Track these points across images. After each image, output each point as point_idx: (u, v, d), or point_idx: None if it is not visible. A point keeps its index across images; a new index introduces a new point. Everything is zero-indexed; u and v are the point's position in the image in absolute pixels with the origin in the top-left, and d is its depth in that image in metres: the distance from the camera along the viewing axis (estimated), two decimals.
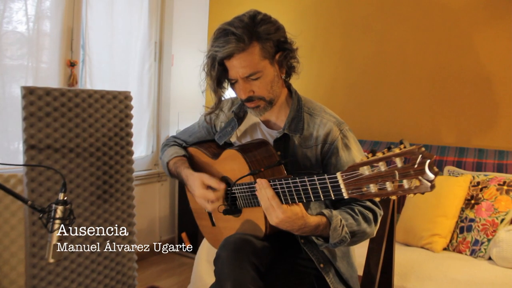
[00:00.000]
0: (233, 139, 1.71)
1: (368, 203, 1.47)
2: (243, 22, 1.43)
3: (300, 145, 1.53)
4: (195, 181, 1.59)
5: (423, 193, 0.97)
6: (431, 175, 0.94)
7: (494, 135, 2.87)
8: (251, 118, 1.67)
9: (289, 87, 1.63)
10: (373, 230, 1.47)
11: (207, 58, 1.50)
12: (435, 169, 0.94)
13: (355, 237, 1.40)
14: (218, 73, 1.49)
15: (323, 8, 3.58)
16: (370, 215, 1.45)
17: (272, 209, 1.29)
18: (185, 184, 1.68)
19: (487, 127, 2.91)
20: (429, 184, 0.94)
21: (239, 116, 1.68)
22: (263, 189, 1.30)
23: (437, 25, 3.07)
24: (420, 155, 0.95)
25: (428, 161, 0.94)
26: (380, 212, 1.49)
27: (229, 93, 1.70)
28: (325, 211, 1.37)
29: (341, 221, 1.36)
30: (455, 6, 3.00)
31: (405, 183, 0.98)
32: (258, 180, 1.33)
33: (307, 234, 1.37)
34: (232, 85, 1.54)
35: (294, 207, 1.29)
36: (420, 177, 0.95)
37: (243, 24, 1.42)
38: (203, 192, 1.55)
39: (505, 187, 2.43)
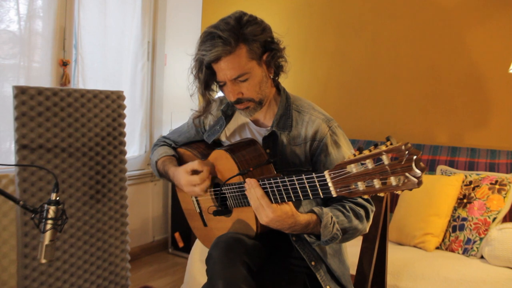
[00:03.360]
0: (222, 138, 1.71)
1: (359, 200, 1.47)
2: (229, 24, 1.42)
3: (289, 142, 1.53)
4: (180, 172, 1.59)
5: (410, 190, 0.97)
6: (418, 171, 0.94)
7: (486, 134, 2.89)
8: (240, 116, 1.67)
9: (277, 85, 1.63)
10: (365, 226, 1.47)
11: (195, 62, 1.50)
12: (422, 165, 0.95)
13: (347, 234, 1.41)
14: (206, 76, 1.49)
15: (316, 7, 3.59)
16: (361, 212, 1.45)
17: (262, 209, 1.29)
18: (173, 181, 1.68)
19: (479, 126, 2.93)
20: (416, 180, 0.95)
21: (227, 114, 1.68)
22: (252, 189, 1.30)
23: (430, 25, 3.08)
24: (407, 152, 0.95)
25: (415, 157, 0.94)
26: (372, 208, 1.49)
27: (218, 95, 1.70)
28: (315, 209, 1.37)
29: (331, 218, 1.36)
30: (447, 6, 3.02)
31: (393, 180, 0.98)
32: (247, 179, 1.33)
33: (298, 232, 1.37)
34: (221, 88, 1.54)
35: (284, 206, 1.29)
36: (407, 174, 0.95)
37: (229, 27, 1.42)
38: (187, 178, 1.54)
39: (497, 186, 2.45)
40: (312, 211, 1.37)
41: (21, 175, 2.07)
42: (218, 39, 1.40)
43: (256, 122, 1.64)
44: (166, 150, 1.82)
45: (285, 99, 1.59)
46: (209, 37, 1.43)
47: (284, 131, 1.53)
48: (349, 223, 1.41)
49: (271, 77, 1.57)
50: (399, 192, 0.99)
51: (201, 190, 1.53)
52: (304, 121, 1.54)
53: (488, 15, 2.88)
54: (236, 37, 1.41)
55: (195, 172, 1.54)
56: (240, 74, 1.44)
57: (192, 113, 1.80)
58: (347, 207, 1.44)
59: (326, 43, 3.55)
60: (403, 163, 0.95)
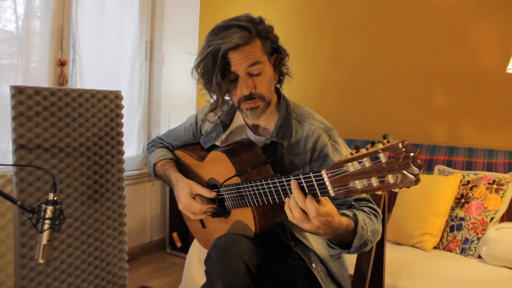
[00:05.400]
0: (218, 143, 1.70)
1: (371, 204, 1.45)
2: (247, 17, 1.44)
3: (288, 152, 1.52)
4: (184, 188, 1.58)
5: (408, 187, 0.96)
6: (415, 169, 0.93)
7: (484, 134, 2.89)
8: (237, 124, 1.67)
9: (278, 93, 1.62)
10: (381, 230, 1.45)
11: (207, 55, 1.44)
12: (419, 162, 0.94)
13: (373, 237, 1.37)
14: (222, 66, 1.43)
15: (314, 7, 3.59)
16: (377, 214, 1.43)
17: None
18: (173, 187, 1.68)
19: (477, 126, 2.93)
20: (413, 177, 0.94)
21: (225, 123, 1.67)
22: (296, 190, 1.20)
23: (428, 25, 3.09)
24: (404, 149, 0.94)
25: (412, 154, 0.93)
26: (380, 212, 1.48)
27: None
28: (346, 211, 1.33)
29: (364, 220, 1.33)
30: (446, 5, 3.02)
31: (390, 178, 0.97)
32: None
33: (335, 237, 1.29)
34: (231, 84, 1.49)
35: (325, 206, 1.19)
36: (404, 171, 0.94)
37: (247, 19, 1.43)
38: (189, 201, 1.56)
39: (494, 186, 2.45)
40: (344, 214, 1.30)
41: (19, 175, 2.06)
42: (236, 28, 1.40)
43: (255, 130, 1.62)
44: (164, 152, 1.82)
45: (285, 107, 1.57)
46: (225, 28, 1.42)
47: (284, 141, 1.52)
48: (373, 225, 1.37)
49: (275, 81, 1.56)
50: (397, 190, 0.98)
51: (195, 218, 1.59)
52: (304, 131, 1.52)
53: (486, 15, 2.88)
54: (254, 28, 1.42)
55: (199, 196, 1.57)
56: (256, 61, 1.43)
57: (195, 113, 1.80)
58: (367, 210, 1.41)
59: (324, 42, 3.55)
60: (400, 160, 0.95)
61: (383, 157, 0.98)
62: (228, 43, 1.39)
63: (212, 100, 1.60)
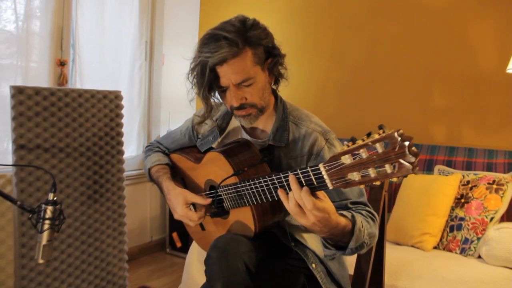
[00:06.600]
0: (214, 146, 1.69)
1: (368, 208, 1.45)
2: (235, 26, 1.38)
3: (285, 155, 1.51)
4: (178, 198, 1.57)
5: (405, 176, 0.95)
6: (411, 157, 0.93)
7: (484, 134, 2.89)
8: (234, 128, 1.66)
9: (275, 94, 1.60)
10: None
11: (196, 65, 1.43)
12: (414, 149, 0.93)
13: (369, 240, 1.36)
14: (209, 80, 1.42)
15: (314, 7, 3.59)
16: (374, 218, 1.42)
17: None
18: (165, 196, 1.67)
19: (477, 126, 2.93)
20: (410, 166, 0.93)
21: (222, 127, 1.66)
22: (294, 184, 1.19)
23: (428, 25, 3.09)
24: (399, 138, 0.94)
25: (407, 143, 0.93)
26: (377, 216, 1.48)
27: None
28: (344, 212, 1.32)
29: (361, 222, 1.32)
30: (446, 5, 3.02)
31: (387, 168, 0.97)
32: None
33: (332, 237, 1.28)
34: (222, 93, 1.48)
35: (323, 202, 1.17)
36: (401, 160, 0.94)
37: (235, 29, 1.37)
38: (186, 212, 1.55)
39: (494, 186, 2.45)
40: (342, 215, 1.29)
41: (19, 175, 2.06)
42: (223, 40, 1.35)
43: (252, 133, 1.61)
44: (159, 157, 1.81)
45: (282, 110, 1.56)
46: (213, 39, 1.38)
47: (280, 144, 1.51)
48: (370, 228, 1.37)
49: (271, 84, 1.55)
50: (395, 179, 0.97)
51: (195, 225, 1.59)
52: (301, 134, 1.51)
53: (486, 15, 2.88)
54: (242, 39, 1.37)
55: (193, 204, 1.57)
56: (245, 78, 1.40)
57: (192, 118, 1.79)
58: (364, 213, 1.40)
59: (324, 42, 3.55)
60: (396, 149, 0.94)
61: (379, 147, 0.97)
62: (215, 57, 1.36)
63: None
